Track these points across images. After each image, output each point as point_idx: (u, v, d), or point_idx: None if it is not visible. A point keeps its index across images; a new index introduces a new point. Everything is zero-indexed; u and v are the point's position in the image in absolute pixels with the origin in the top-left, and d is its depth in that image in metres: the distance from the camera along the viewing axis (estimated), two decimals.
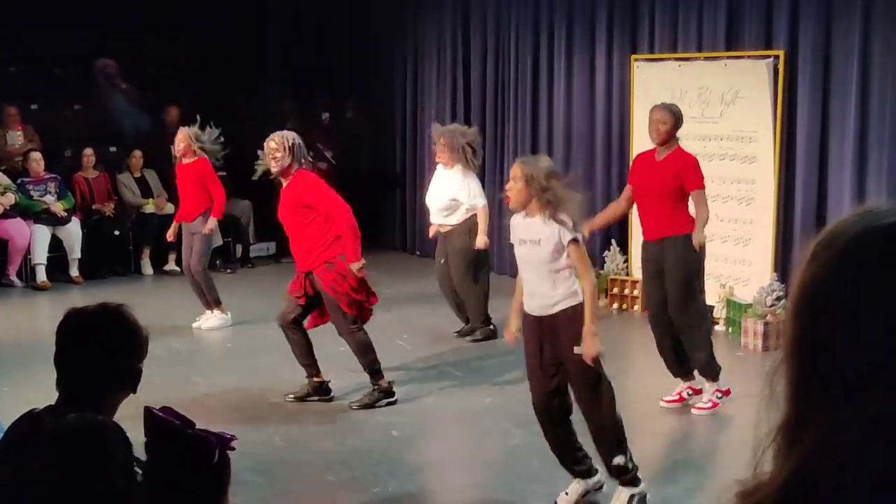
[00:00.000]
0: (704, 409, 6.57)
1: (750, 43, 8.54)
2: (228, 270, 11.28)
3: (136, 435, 2.55)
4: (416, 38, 12.24)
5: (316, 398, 6.81)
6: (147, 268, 11.17)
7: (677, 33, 9.20)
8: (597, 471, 5.14)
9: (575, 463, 5.10)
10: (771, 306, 8.05)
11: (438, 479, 5.72)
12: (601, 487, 5.18)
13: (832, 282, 1.01)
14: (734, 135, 8.56)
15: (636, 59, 9.41)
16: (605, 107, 9.98)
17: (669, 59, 9.14)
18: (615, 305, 9.52)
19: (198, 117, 8.81)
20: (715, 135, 8.71)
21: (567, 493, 5.13)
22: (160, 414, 2.53)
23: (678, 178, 6.31)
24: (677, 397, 6.69)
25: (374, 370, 6.73)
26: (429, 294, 9.56)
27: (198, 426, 2.53)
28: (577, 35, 10.16)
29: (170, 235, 9.11)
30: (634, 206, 6.78)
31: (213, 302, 8.85)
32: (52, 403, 2.80)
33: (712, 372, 6.56)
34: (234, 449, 2.53)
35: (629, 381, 7.09)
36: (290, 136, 6.73)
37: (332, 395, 6.88)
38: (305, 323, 6.84)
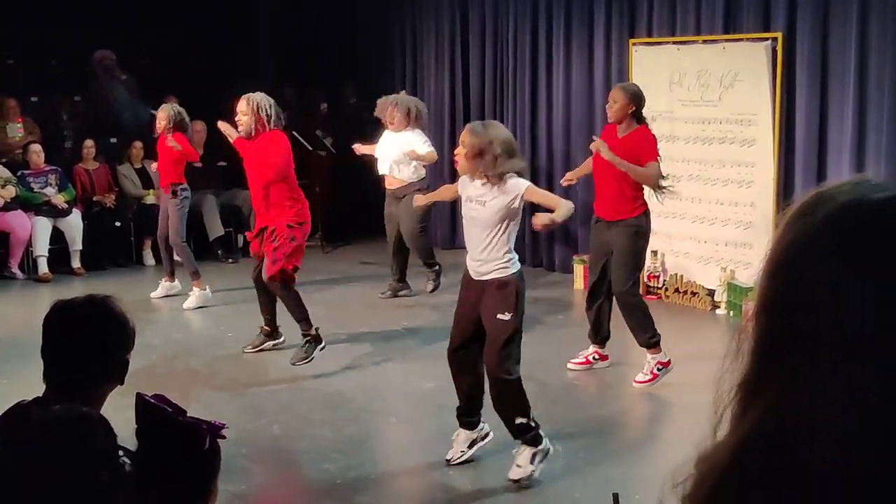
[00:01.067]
0: (644, 381, 6.72)
1: (748, 25, 8.51)
2: (230, 260, 11.28)
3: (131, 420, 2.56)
4: (415, 25, 12.21)
5: (270, 344, 7.59)
6: (149, 259, 11.17)
7: (675, 17, 9.17)
8: (484, 423, 5.50)
9: (466, 413, 5.47)
10: None
11: (435, 465, 5.72)
12: (487, 436, 5.51)
13: (817, 246, 1.00)
14: (733, 118, 8.53)
15: (635, 44, 9.38)
16: (604, 92, 9.91)
17: (668, 42, 9.11)
18: None
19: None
20: (714, 118, 8.69)
21: (453, 441, 5.51)
22: (152, 401, 2.54)
23: (634, 152, 6.49)
24: (584, 360, 7.08)
25: (302, 318, 7.16)
26: (428, 280, 9.55)
27: (190, 414, 2.54)
28: (575, 20, 10.14)
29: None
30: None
31: (191, 274, 9.25)
32: (40, 396, 2.81)
33: (654, 344, 6.72)
34: (224, 437, 2.54)
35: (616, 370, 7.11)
36: (256, 98, 7.18)
37: (283, 338, 7.62)
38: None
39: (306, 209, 7.31)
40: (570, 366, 7.10)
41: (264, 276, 7.14)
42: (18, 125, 11.18)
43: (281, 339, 7.70)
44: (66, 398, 2.68)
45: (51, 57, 11.92)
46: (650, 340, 6.70)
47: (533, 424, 5.21)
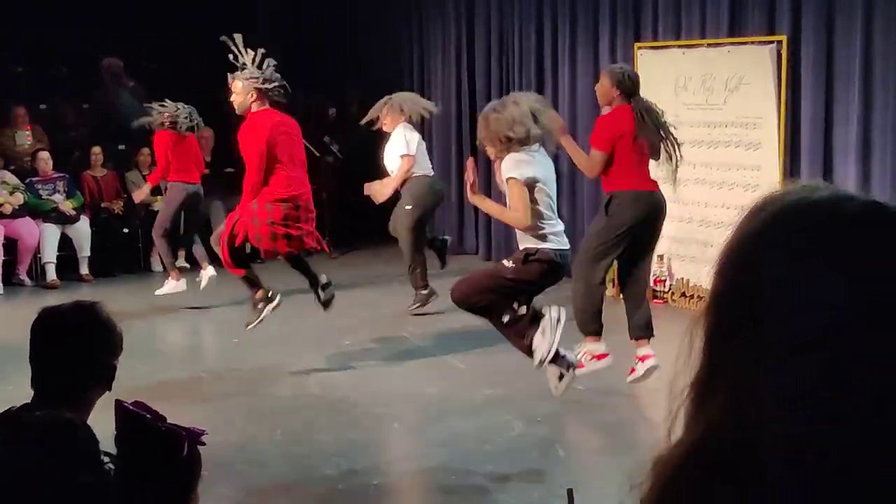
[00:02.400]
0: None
1: (752, 29, 8.49)
2: None
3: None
4: (420, 29, 12.23)
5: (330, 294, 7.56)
6: (157, 265, 11.17)
7: (680, 21, 9.15)
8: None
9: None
10: None
11: (439, 470, 5.71)
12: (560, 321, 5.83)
13: (762, 242, 1.01)
14: (738, 121, 8.51)
15: (640, 48, 9.36)
16: None
17: (673, 46, 9.09)
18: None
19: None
20: (719, 121, 8.67)
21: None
22: (131, 408, 2.55)
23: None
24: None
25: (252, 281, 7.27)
26: (434, 286, 9.55)
27: (191, 419, 2.55)
28: (580, 25, 10.13)
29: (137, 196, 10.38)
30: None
31: (168, 266, 9.53)
32: (28, 402, 2.82)
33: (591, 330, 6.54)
34: (203, 444, 2.55)
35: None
36: (254, 76, 7.06)
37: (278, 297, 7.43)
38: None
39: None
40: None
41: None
42: (27, 132, 11.23)
43: (276, 301, 7.43)
44: (54, 404, 2.69)
45: (59, 64, 11.97)
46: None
47: (516, 315, 5.65)
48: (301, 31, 12.99)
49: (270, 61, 7.17)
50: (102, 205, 11.12)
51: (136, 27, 11.70)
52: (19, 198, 10.40)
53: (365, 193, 8.75)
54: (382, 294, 9.69)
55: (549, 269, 5.66)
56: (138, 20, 11.71)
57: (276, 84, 7.15)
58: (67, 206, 10.60)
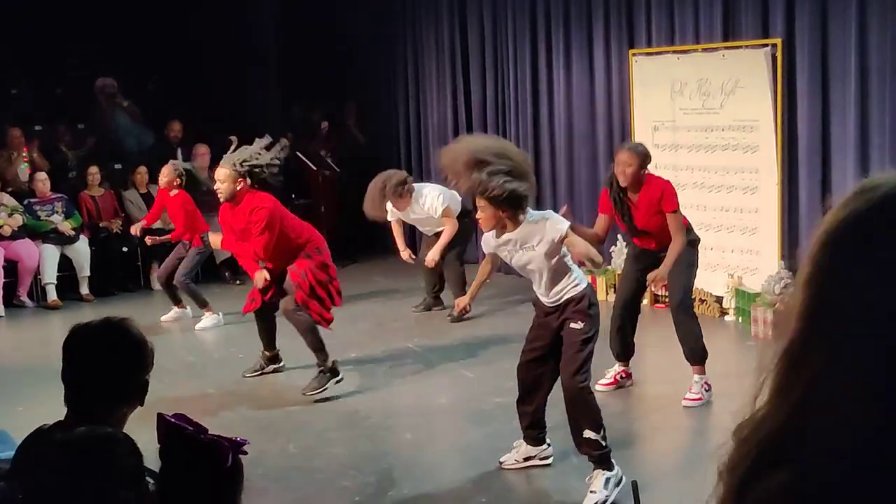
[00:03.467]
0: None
1: (747, 32, 8.54)
2: (238, 282, 11.30)
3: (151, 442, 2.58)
4: (415, 41, 12.25)
5: (271, 368, 7.66)
6: (156, 283, 11.19)
7: (674, 26, 9.20)
8: (548, 445, 5.56)
9: (531, 426, 5.49)
10: (780, 294, 8.04)
11: (453, 480, 5.72)
12: (548, 459, 5.54)
13: (866, 225, 1.02)
14: (736, 125, 8.56)
15: (634, 54, 9.41)
16: (606, 103, 9.99)
17: (668, 52, 9.15)
18: None
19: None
20: (716, 125, 8.71)
21: (514, 448, 5.58)
22: (173, 420, 2.56)
23: (657, 205, 6.40)
24: (612, 380, 6.94)
25: (319, 349, 7.04)
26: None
27: (210, 432, 2.56)
28: (574, 32, 10.18)
29: (150, 240, 10.00)
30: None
31: (201, 305, 9.42)
32: (61, 419, 2.83)
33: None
34: (246, 453, 2.56)
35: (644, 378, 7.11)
36: (238, 160, 7.06)
37: (282, 363, 7.70)
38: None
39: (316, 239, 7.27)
40: (598, 387, 6.73)
41: (286, 305, 7.05)
42: (25, 165, 11.17)
43: (281, 364, 7.75)
44: (88, 420, 2.71)
45: (53, 85, 11.97)
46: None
47: (603, 444, 5.11)
48: (295, 46, 13.00)
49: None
50: (101, 224, 11.11)
51: (131, 48, 11.69)
52: (18, 219, 10.40)
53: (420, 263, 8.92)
54: (385, 306, 9.71)
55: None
56: (134, 41, 11.70)
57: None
58: (66, 227, 10.59)
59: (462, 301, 6.39)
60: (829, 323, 1.02)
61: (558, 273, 5.17)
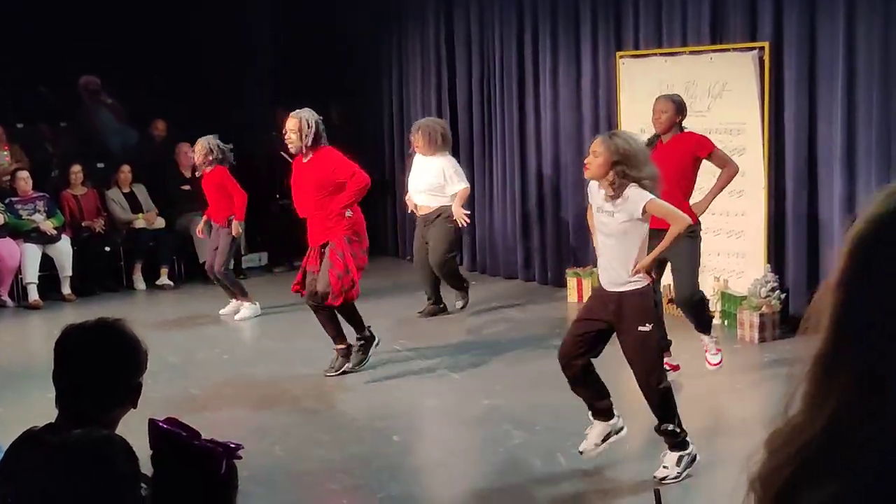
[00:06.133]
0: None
1: (735, 35, 8.54)
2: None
3: (143, 446, 2.53)
4: (400, 41, 12.22)
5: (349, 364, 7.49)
6: (139, 283, 11.12)
7: (662, 28, 9.20)
8: (618, 417, 5.45)
9: (595, 398, 5.39)
10: (766, 297, 8.06)
11: (441, 483, 5.70)
12: (621, 431, 5.45)
13: (881, 229, 1.02)
14: (723, 127, 8.55)
15: (622, 56, 9.40)
16: (592, 105, 9.97)
17: (655, 54, 9.14)
18: None
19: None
20: (704, 128, 8.65)
21: (587, 435, 5.44)
22: (165, 426, 2.51)
23: (691, 151, 6.77)
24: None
25: (358, 324, 7.49)
26: (423, 298, 9.54)
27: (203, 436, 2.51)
28: (561, 34, 10.16)
29: (199, 231, 9.90)
30: None
31: (240, 294, 9.60)
32: (52, 422, 2.78)
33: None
34: (240, 458, 2.52)
35: None
36: (305, 115, 7.28)
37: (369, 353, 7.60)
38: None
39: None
40: None
41: (323, 294, 7.15)
42: (5, 153, 11.10)
43: (367, 351, 7.68)
44: (80, 423, 2.65)
45: (36, 83, 11.86)
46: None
47: (678, 430, 5.26)
48: (282, 45, 12.95)
49: None
50: (83, 223, 11.01)
51: (115, 46, 11.59)
52: (0, 218, 10.29)
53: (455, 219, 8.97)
54: (371, 307, 9.64)
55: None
56: (117, 39, 11.60)
57: None
58: (48, 226, 10.49)
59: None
60: (858, 331, 1.00)
61: (629, 253, 5.15)
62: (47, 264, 10.55)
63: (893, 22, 7.45)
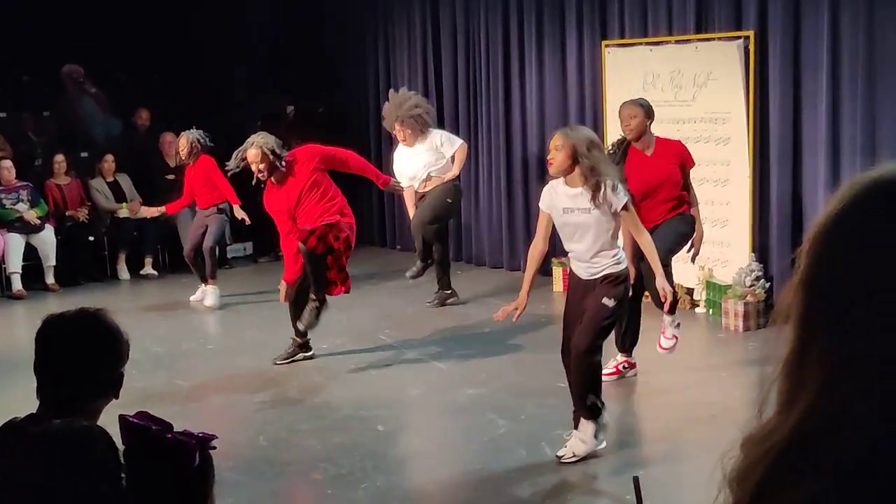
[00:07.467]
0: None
1: (720, 25, 8.54)
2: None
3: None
4: (386, 30, 12.18)
5: (300, 356, 7.53)
6: (124, 273, 11.09)
7: (647, 18, 9.19)
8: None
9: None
10: (750, 286, 8.07)
11: (426, 472, 5.70)
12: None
13: (845, 224, 1.02)
14: (708, 117, 8.57)
15: (607, 45, 9.40)
16: (578, 94, 9.97)
17: (640, 43, 9.14)
18: None
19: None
20: (688, 118, 8.72)
21: (566, 439, 5.48)
22: (136, 421, 2.50)
23: (680, 157, 6.70)
24: (614, 370, 6.83)
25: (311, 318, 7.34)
26: (410, 288, 9.53)
27: (176, 428, 2.50)
28: (546, 23, 10.14)
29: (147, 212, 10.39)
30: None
31: (210, 276, 9.72)
32: (33, 412, 2.76)
33: None
34: (214, 448, 2.51)
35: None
36: (259, 142, 7.14)
37: (312, 351, 7.60)
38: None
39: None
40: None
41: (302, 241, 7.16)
42: None
43: (311, 354, 7.64)
44: (61, 413, 2.63)
45: (19, 72, 11.78)
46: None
47: (600, 405, 5.36)
48: (271, 39, 12.92)
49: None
50: (67, 213, 10.96)
51: (100, 35, 11.51)
52: None
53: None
54: (355, 296, 9.62)
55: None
56: (102, 28, 11.53)
57: None
58: (32, 216, 10.44)
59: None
60: (824, 328, 1.00)
61: (607, 244, 5.30)
62: (31, 254, 10.50)
63: (877, 10, 7.46)
